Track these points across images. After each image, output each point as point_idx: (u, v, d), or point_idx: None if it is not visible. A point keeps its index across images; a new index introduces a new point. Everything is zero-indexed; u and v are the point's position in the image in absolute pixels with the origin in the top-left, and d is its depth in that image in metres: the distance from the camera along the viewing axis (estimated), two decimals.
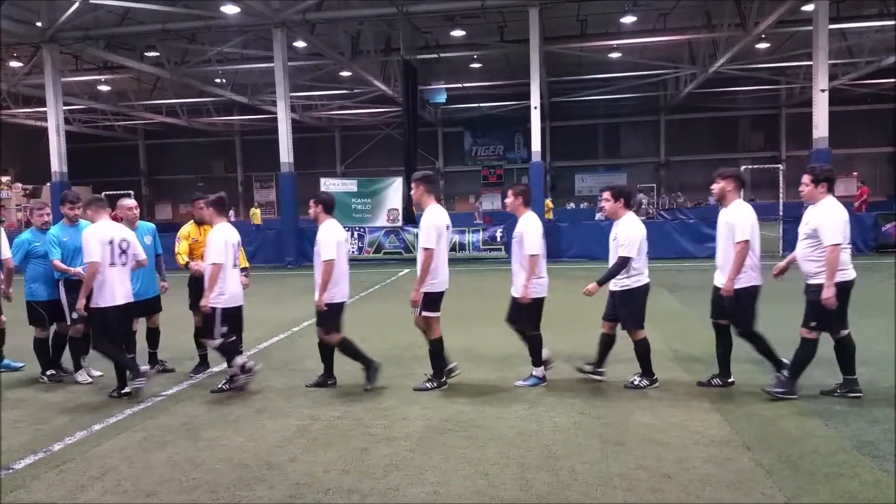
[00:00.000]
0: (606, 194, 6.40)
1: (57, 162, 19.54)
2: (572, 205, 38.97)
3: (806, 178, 5.74)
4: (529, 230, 6.20)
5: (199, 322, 7.10)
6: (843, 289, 5.50)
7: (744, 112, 37.74)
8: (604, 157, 40.16)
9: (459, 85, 31.05)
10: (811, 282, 5.62)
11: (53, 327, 7.08)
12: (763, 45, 25.66)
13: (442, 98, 30.80)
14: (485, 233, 19.08)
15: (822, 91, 16.69)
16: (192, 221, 7.32)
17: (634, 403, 5.73)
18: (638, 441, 4.85)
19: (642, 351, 6.21)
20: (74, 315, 6.77)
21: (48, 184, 21.21)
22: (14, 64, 24.65)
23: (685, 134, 38.82)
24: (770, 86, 33.72)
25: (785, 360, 5.89)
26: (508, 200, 6.50)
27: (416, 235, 18.82)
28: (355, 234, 19.20)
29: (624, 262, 6.10)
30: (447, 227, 6.31)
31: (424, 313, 6.18)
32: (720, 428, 5.09)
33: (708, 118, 37.72)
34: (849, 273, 5.58)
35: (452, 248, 18.84)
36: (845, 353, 5.69)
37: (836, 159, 17.29)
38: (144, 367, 6.42)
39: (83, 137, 36.57)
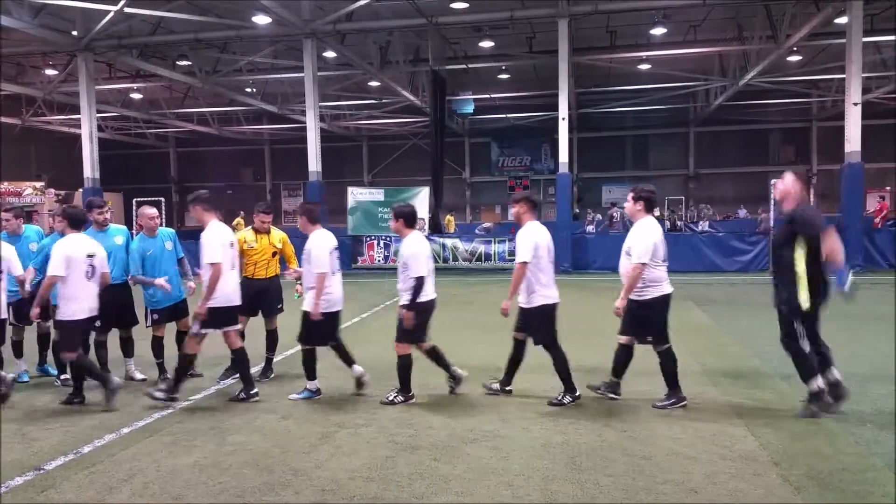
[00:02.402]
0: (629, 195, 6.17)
1: (90, 168, 19.93)
2: (599, 216, 38.75)
3: (629, 197, 5.98)
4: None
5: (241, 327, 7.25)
6: (661, 303, 5.79)
7: (774, 125, 37.25)
8: (632, 168, 39.84)
9: (487, 95, 31.09)
10: (632, 297, 5.82)
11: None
12: (795, 58, 25.35)
13: (469, 108, 30.88)
14: (510, 243, 19.05)
15: (855, 104, 16.46)
16: (250, 227, 7.40)
17: (661, 417, 5.67)
18: (664, 455, 4.80)
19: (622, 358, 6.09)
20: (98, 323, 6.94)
21: (80, 189, 21.60)
22: (49, 72, 25.21)
23: (715, 146, 38.42)
24: (801, 99, 33.28)
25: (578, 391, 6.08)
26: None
27: (443, 245, 19.02)
28: (382, 242, 19.27)
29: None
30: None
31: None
32: (748, 443, 5.01)
33: (738, 131, 37.28)
34: (665, 288, 5.83)
35: (478, 259, 18.90)
36: (670, 365, 5.90)
37: (868, 174, 17.02)
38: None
39: (115, 144, 37.17)
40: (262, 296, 7.23)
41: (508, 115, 35.93)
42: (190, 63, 24.16)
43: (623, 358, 6.08)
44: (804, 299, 5.40)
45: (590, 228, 25.70)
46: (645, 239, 5.73)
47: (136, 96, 30.72)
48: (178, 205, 42.39)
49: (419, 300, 6.04)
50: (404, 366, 6.19)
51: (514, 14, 18.50)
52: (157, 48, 22.52)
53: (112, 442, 5.32)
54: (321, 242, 6.36)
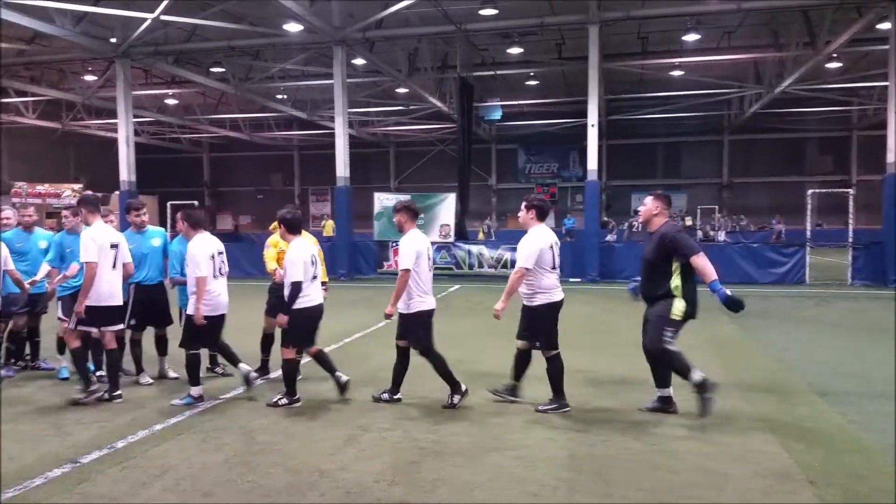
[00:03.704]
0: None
1: (126, 171, 20.30)
2: (622, 226, 38.43)
3: (522, 206, 6.18)
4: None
5: (268, 327, 7.29)
6: (551, 309, 5.95)
7: (812, 134, 36.55)
8: (662, 176, 39.42)
9: (515, 102, 31.04)
10: (525, 303, 6.01)
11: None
12: (834, 65, 24.84)
13: (497, 115, 30.82)
14: None
15: None
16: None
17: (690, 431, 5.55)
18: (693, 470, 4.71)
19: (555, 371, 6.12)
20: (133, 321, 7.06)
21: (117, 192, 22.02)
22: (88, 78, 25.80)
23: (749, 155, 37.83)
24: (841, 107, 32.62)
25: (464, 386, 6.21)
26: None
27: (469, 252, 18.98)
28: None
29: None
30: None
31: None
32: (781, 460, 4.89)
33: (774, 139, 36.64)
34: (555, 295, 5.98)
35: (503, 265, 18.82)
36: (554, 371, 6.05)
37: None
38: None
39: (151, 149, 37.86)
40: None
41: (536, 122, 35.82)
42: (223, 70, 24.53)
43: (522, 361, 6.20)
44: (677, 311, 5.70)
45: (609, 238, 25.41)
46: (530, 245, 5.91)
47: (172, 102, 31.26)
48: (210, 208, 42.99)
49: (301, 306, 6.18)
50: (290, 370, 6.30)
51: (543, 20, 18.44)
52: (191, 55, 22.93)
53: (145, 438, 5.41)
54: (203, 247, 6.38)
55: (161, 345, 7.42)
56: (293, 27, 18.71)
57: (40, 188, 29.11)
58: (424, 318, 6.23)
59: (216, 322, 6.54)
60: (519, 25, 19.36)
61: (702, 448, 5.15)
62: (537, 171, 40.72)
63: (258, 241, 25.02)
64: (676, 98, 30.65)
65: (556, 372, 6.07)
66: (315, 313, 6.38)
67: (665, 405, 5.98)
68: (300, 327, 6.27)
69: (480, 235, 27.87)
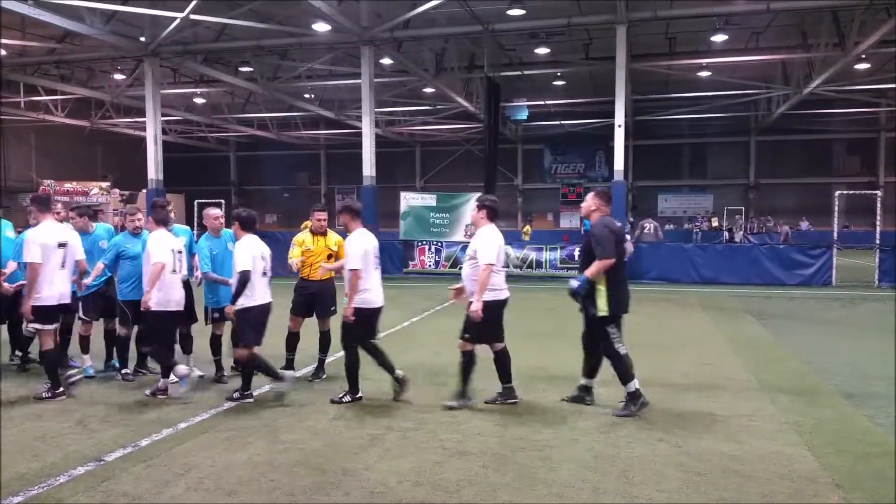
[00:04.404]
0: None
1: (153, 170, 20.56)
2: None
3: (475, 206, 6.46)
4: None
5: (294, 327, 7.37)
6: (496, 306, 6.15)
7: (839, 135, 36.03)
8: (689, 177, 39.11)
9: (542, 102, 30.95)
10: (472, 299, 6.09)
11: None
12: (863, 66, 24.47)
13: (523, 115, 30.76)
14: (563, 251, 18.90)
15: None
16: (307, 229, 7.48)
17: (716, 433, 5.51)
18: (719, 472, 4.67)
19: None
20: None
21: (144, 190, 22.31)
22: (117, 76, 26.18)
23: (776, 156, 37.36)
24: (869, 108, 32.11)
25: (360, 394, 6.45)
26: None
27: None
28: (433, 247, 19.35)
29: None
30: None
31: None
32: (808, 463, 4.84)
33: (801, 140, 36.18)
34: (501, 293, 6.20)
35: (529, 266, 18.80)
36: (502, 364, 6.31)
37: None
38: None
39: (179, 147, 38.31)
40: (316, 297, 7.34)
41: (562, 122, 35.69)
42: (251, 69, 24.75)
43: (470, 363, 6.31)
44: (601, 308, 5.95)
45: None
46: (489, 243, 6.10)
47: (200, 101, 31.63)
48: (237, 207, 43.31)
49: (248, 304, 6.36)
50: (251, 365, 6.48)
51: (571, 20, 18.35)
52: (220, 54, 23.18)
53: (169, 436, 5.46)
54: (161, 242, 6.56)
55: (186, 343, 7.43)
56: (321, 27, 18.83)
57: (68, 186, 29.59)
58: (366, 314, 6.36)
59: (171, 317, 6.75)
60: (546, 25, 19.31)
61: (727, 450, 5.10)
62: (563, 171, 40.56)
63: (284, 240, 25.21)
64: (703, 99, 30.38)
65: (506, 363, 6.32)
66: (264, 311, 6.55)
67: (584, 394, 6.31)
68: (247, 325, 6.43)
69: (525, 236, 27.78)
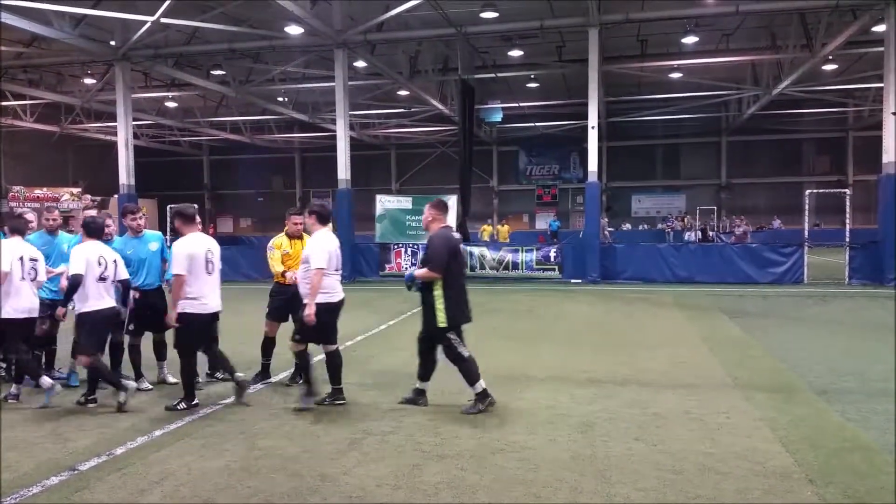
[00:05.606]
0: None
1: (125, 175, 20.29)
2: (628, 226, 38.50)
3: (305, 212, 6.67)
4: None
5: (270, 332, 7.32)
6: (331, 309, 6.31)
7: (809, 135, 36.72)
8: (662, 177, 39.58)
9: (516, 104, 31.13)
10: (306, 302, 6.19)
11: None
12: (830, 67, 24.96)
13: (498, 117, 30.90)
14: (538, 252, 18.98)
15: (894, 114, 16.13)
16: (283, 233, 7.41)
17: (692, 431, 5.57)
18: (696, 470, 4.72)
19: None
20: (131, 326, 7.07)
21: (116, 196, 22.02)
22: (88, 81, 25.79)
23: (747, 156, 37.96)
24: (837, 108, 32.77)
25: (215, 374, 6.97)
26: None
27: (471, 254, 19.00)
28: (409, 250, 19.33)
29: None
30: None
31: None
32: (782, 459, 4.91)
33: (771, 140, 36.81)
34: (335, 296, 6.37)
35: (505, 267, 18.85)
36: (333, 365, 6.44)
37: None
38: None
39: (150, 152, 37.89)
40: (293, 302, 7.28)
41: (537, 124, 35.91)
42: (224, 73, 24.57)
43: (305, 362, 6.45)
44: (440, 320, 6.08)
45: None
46: (319, 248, 6.23)
47: (171, 105, 31.30)
48: (211, 211, 43.01)
49: (85, 309, 6.32)
50: (99, 368, 6.46)
51: (543, 23, 18.46)
52: (191, 58, 22.95)
53: (144, 444, 5.39)
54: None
55: (160, 350, 7.33)
56: (294, 30, 18.75)
57: (38, 192, 29.12)
58: (192, 320, 6.30)
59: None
60: (519, 28, 19.39)
61: (704, 448, 5.16)
62: (538, 172, 40.81)
63: (258, 245, 25.07)
64: (675, 100, 30.77)
65: (337, 364, 6.45)
66: (106, 316, 6.50)
67: (418, 397, 6.37)
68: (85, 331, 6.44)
69: (501, 237, 27.84)
